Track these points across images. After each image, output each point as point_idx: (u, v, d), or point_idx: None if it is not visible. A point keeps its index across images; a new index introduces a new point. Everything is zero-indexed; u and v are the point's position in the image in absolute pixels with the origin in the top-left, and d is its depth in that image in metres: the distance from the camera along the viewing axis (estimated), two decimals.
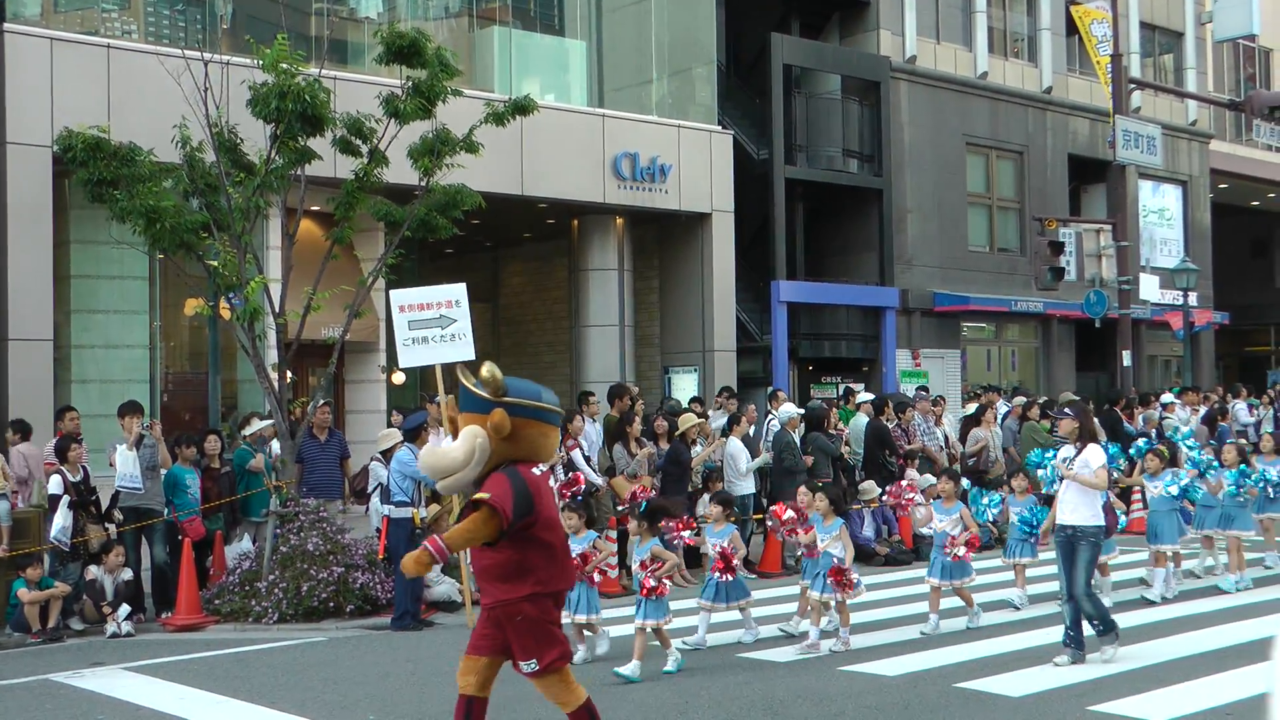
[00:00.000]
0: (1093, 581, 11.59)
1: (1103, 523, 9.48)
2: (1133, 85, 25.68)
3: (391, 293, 12.10)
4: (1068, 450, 9.57)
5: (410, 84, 13.12)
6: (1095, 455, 9.39)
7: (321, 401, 13.44)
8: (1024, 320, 28.65)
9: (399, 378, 19.54)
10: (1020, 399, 19.43)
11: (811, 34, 26.67)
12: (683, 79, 23.21)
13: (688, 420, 14.48)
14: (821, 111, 25.74)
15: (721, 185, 22.30)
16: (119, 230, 13.28)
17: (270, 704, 8.57)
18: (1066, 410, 10.09)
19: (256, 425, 13.62)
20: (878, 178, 25.77)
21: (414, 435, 12.10)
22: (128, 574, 11.96)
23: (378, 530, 12.65)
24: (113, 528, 12.31)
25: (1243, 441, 16.21)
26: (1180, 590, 12.28)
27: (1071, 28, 28.47)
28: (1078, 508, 9.36)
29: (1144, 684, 8.52)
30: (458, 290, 11.81)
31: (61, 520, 11.67)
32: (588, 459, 13.70)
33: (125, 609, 11.69)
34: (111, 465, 12.33)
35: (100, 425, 14.26)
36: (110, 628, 11.55)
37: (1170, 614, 11.27)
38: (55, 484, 11.84)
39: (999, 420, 18.04)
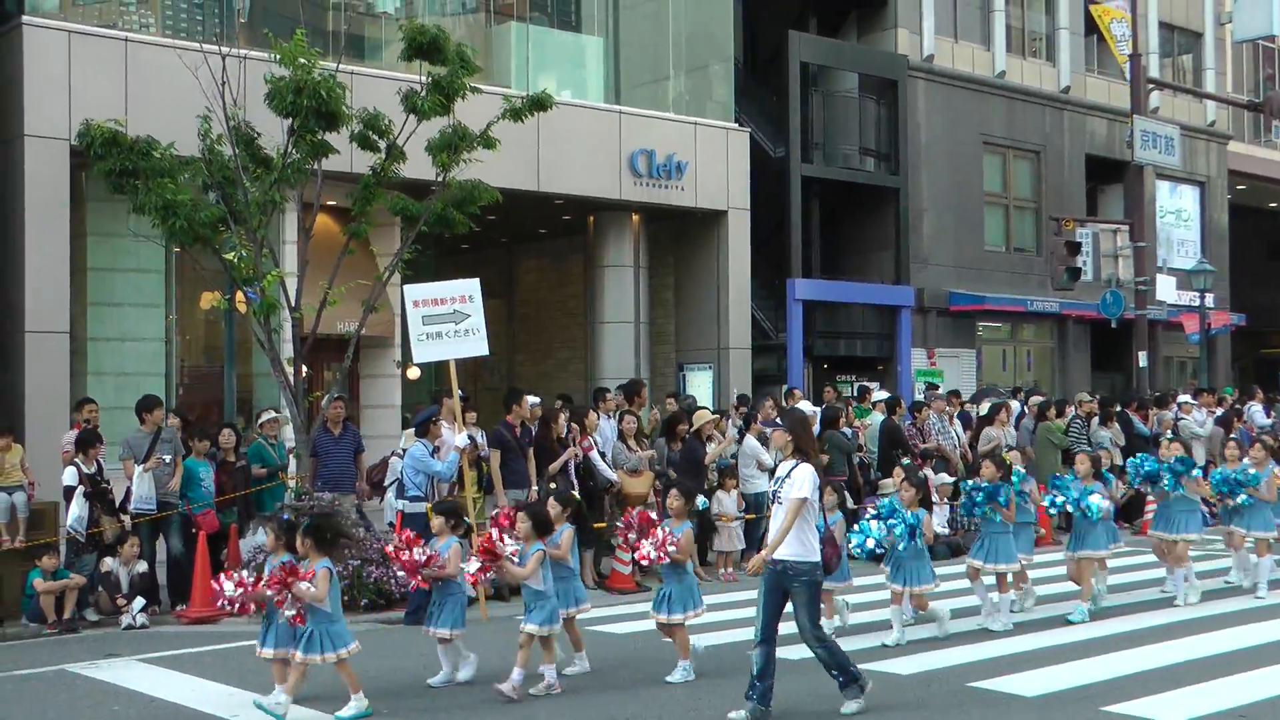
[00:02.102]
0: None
1: (817, 559, 7.84)
2: (1151, 85, 25.58)
3: (405, 288, 12.12)
4: (781, 466, 8.06)
5: (430, 80, 13.12)
6: (803, 478, 7.76)
7: (336, 395, 13.46)
8: (1040, 320, 28.56)
9: (414, 373, 19.56)
10: (1037, 399, 19.39)
11: (829, 32, 26.62)
12: (700, 76, 23.18)
13: (702, 417, 14.49)
14: (838, 110, 25.70)
15: (738, 183, 22.27)
16: (136, 223, 13.31)
17: None
18: (777, 420, 8.54)
19: (269, 417, 13.68)
20: (894, 176, 25.72)
21: (424, 429, 12.12)
22: (143, 566, 12.00)
23: (390, 525, 12.66)
24: (127, 519, 12.35)
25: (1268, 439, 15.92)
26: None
27: (1090, 27, 28.41)
28: (788, 540, 7.72)
29: (1159, 685, 8.48)
30: (471, 285, 11.82)
31: (77, 510, 11.73)
32: (603, 454, 13.71)
33: (140, 601, 11.71)
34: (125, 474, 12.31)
35: (116, 418, 14.31)
36: (125, 619, 11.59)
37: (1186, 615, 11.21)
38: (70, 475, 11.90)
39: (1012, 420, 18.00)
